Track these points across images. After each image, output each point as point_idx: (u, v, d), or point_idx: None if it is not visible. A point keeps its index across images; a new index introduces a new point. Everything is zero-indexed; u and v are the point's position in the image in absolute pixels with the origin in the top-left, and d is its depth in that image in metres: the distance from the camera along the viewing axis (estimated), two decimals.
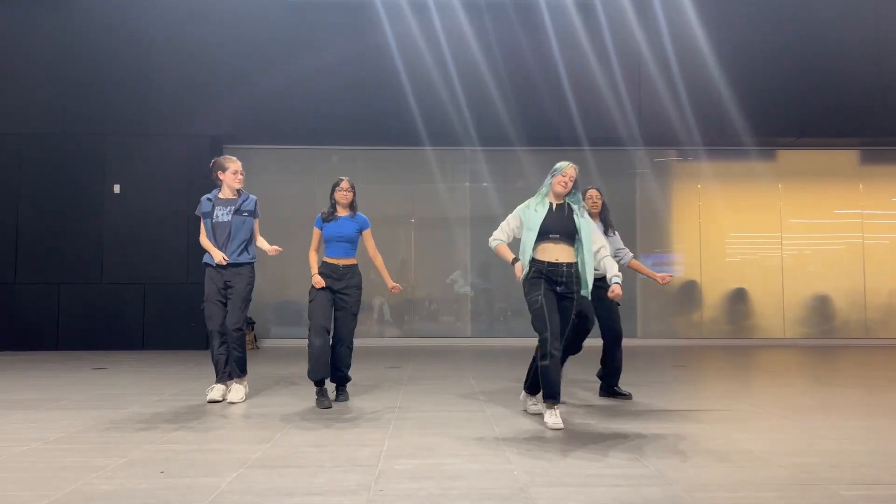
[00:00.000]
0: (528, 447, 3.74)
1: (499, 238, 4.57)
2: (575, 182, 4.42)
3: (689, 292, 10.44)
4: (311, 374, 4.98)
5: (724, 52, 9.54)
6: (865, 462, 3.44)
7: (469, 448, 3.72)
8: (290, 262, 8.91)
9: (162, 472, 3.25)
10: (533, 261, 4.33)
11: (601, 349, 5.38)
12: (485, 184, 10.40)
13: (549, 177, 4.48)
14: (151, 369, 7.15)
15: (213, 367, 5.30)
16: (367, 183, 9.88)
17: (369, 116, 9.44)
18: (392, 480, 3.12)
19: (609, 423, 4.40)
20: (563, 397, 4.79)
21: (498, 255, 4.59)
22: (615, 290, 4.37)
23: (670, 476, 3.18)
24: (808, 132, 9.72)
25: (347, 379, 5.29)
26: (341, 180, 5.24)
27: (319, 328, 4.97)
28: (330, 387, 5.24)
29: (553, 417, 4.21)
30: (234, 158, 5.34)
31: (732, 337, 10.30)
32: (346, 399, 5.23)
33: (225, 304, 5.16)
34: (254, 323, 9.51)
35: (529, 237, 4.35)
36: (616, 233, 5.44)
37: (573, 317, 4.34)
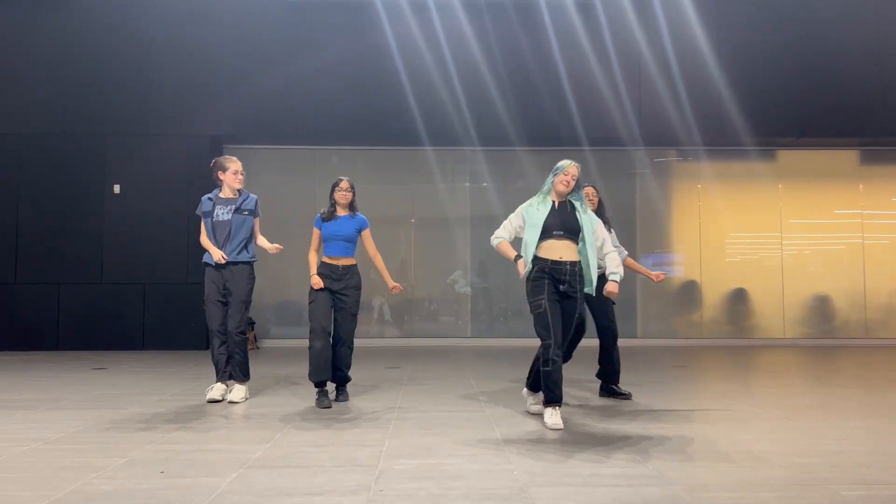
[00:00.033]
0: (528, 447, 3.74)
1: (501, 236, 4.56)
2: (577, 181, 4.43)
3: (689, 292, 10.44)
4: (311, 376, 4.98)
5: (724, 52, 9.54)
6: (865, 462, 3.44)
7: (469, 448, 3.72)
8: (290, 262, 8.92)
9: (162, 472, 3.25)
10: (536, 259, 4.31)
11: (597, 349, 5.38)
12: (485, 184, 10.40)
13: (550, 176, 4.47)
14: (151, 369, 7.15)
15: (213, 367, 5.30)
16: (367, 183, 9.88)
17: (369, 116, 9.45)
18: (392, 480, 3.12)
19: (609, 423, 4.40)
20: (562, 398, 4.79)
21: (500, 252, 4.57)
22: (609, 288, 4.37)
23: (670, 476, 3.18)
24: (808, 132, 9.72)
25: (347, 379, 5.29)
26: (341, 180, 5.24)
27: (320, 330, 4.97)
28: (330, 387, 5.24)
29: (553, 417, 4.22)
30: (235, 158, 5.35)
31: (732, 337, 10.30)
32: (346, 399, 5.23)
33: (225, 304, 5.16)
34: (254, 323, 9.51)
35: (532, 235, 4.33)
36: (612, 231, 5.44)
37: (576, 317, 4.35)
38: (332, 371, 5.10)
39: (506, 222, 4.57)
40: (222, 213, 5.19)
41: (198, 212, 5.32)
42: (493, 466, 3.36)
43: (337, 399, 5.18)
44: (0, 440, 3.93)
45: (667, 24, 9.55)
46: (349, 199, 5.23)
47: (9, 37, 9.37)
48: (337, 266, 5.12)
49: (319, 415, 4.68)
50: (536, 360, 4.46)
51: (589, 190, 5.38)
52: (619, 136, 9.56)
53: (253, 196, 5.34)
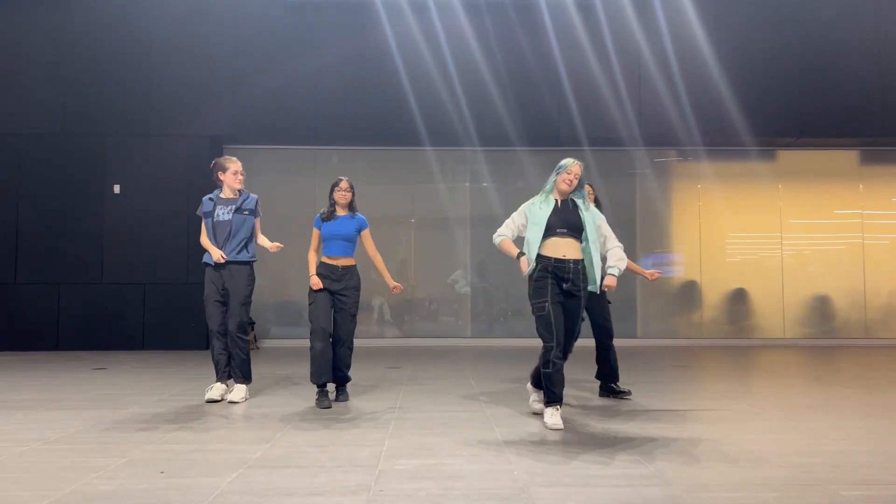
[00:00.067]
0: (528, 447, 3.74)
1: (503, 234, 4.54)
2: (580, 179, 4.43)
3: (689, 292, 10.44)
4: (312, 378, 4.98)
5: (724, 52, 9.54)
6: (865, 462, 3.44)
7: (469, 448, 3.72)
8: (290, 262, 8.92)
9: (162, 473, 3.25)
10: (539, 257, 4.29)
11: (594, 349, 5.38)
12: (485, 184, 10.40)
13: (553, 174, 4.46)
14: (151, 369, 7.15)
15: (213, 368, 5.30)
16: (367, 183, 9.88)
17: (369, 116, 9.45)
18: (392, 481, 3.12)
19: (609, 423, 4.40)
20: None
21: (502, 250, 4.55)
22: (607, 282, 4.36)
23: (670, 476, 3.18)
24: (808, 132, 9.72)
25: (347, 379, 5.29)
26: (340, 180, 5.24)
27: (320, 331, 4.97)
28: (330, 387, 5.24)
29: (553, 418, 4.22)
30: (235, 159, 5.35)
31: (732, 337, 10.30)
32: (346, 399, 5.23)
33: (224, 304, 5.16)
34: (254, 323, 9.50)
35: (536, 233, 4.32)
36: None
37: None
38: (332, 372, 5.10)
39: (508, 220, 4.56)
40: (223, 214, 5.19)
41: (198, 212, 5.32)
42: (493, 466, 3.36)
43: (337, 399, 5.18)
44: (0, 440, 3.93)
45: (667, 23, 9.55)
46: (349, 199, 5.23)
47: (9, 37, 9.37)
48: (336, 266, 5.12)
49: (319, 415, 4.68)
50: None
51: (585, 188, 5.37)
52: (619, 136, 9.57)
53: (253, 196, 5.34)
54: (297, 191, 10.08)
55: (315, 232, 5.21)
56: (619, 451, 3.66)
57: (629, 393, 5.35)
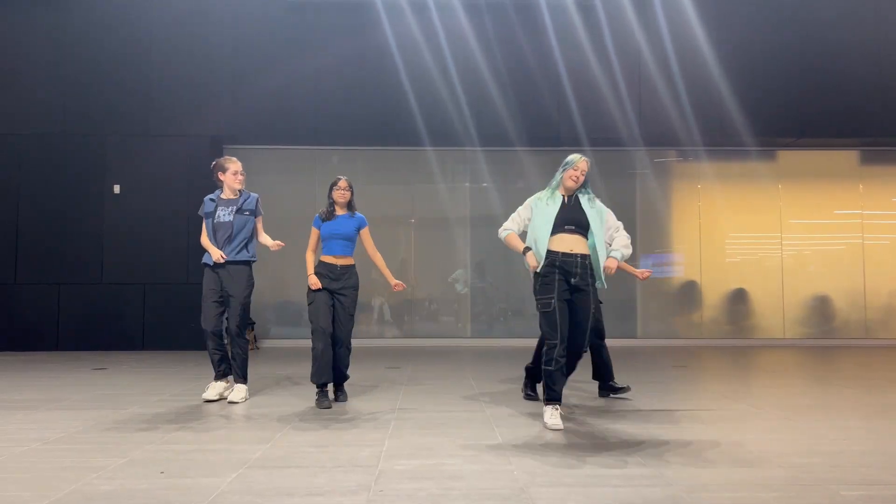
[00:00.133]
0: (528, 447, 3.74)
1: (509, 228, 4.53)
2: (586, 175, 4.43)
3: (689, 292, 10.44)
4: (313, 378, 4.98)
5: (724, 52, 9.54)
6: (865, 462, 3.44)
7: (469, 448, 3.72)
8: (290, 263, 8.90)
9: (162, 473, 3.25)
10: (546, 252, 4.27)
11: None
12: (485, 184, 10.40)
13: (560, 170, 4.46)
14: (151, 369, 7.15)
15: (212, 367, 5.31)
16: (368, 183, 9.89)
17: (369, 116, 9.45)
18: (392, 481, 3.12)
19: (609, 423, 4.40)
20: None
21: (508, 245, 4.53)
22: (607, 263, 4.35)
23: (670, 476, 3.18)
24: (808, 132, 9.72)
25: (346, 377, 5.29)
26: (339, 179, 5.24)
27: (321, 332, 4.97)
28: (329, 387, 5.24)
29: (553, 418, 4.22)
30: (235, 159, 5.35)
31: (732, 337, 10.30)
32: (345, 399, 5.23)
33: (221, 304, 5.16)
34: (254, 323, 9.50)
35: (544, 230, 4.30)
36: None
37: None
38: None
39: (514, 214, 4.56)
40: (224, 215, 5.19)
41: (200, 212, 5.33)
42: (493, 467, 3.36)
43: (336, 399, 5.18)
44: (0, 440, 3.93)
45: (667, 23, 9.55)
46: (347, 199, 5.23)
47: (9, 37, 9.37)
48: (335, 265, 5.12)
49: (319, 415, 4.68)
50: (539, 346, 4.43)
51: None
52: (620, 137, 9.56)
53: (253, 195, 5.34)
54: (297, 191, 10.08)
55: (314, 231, 5.20)
56: (619, 451, 3.66)
57: (628, 389, 5.36)
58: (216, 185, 5.35)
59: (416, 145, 9.91)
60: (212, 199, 5.29)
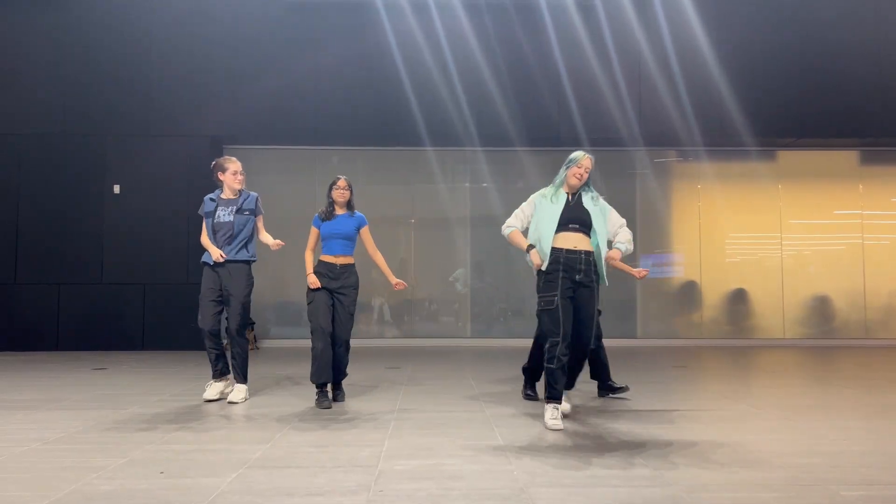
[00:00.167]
0: (528, 448, 3.74)
1: (513, 225, 4.54)
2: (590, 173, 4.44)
3: (689, 292, 10.44)
4: (313, 378, 4.98)
5: (724, 52, 9.54)
6: (865, 462, 3.44)
7: (469, 448, 3.72)
8: (291, 263, 8.90)
9: (162, 473, 3.25)
10: (551, 249, 4.28)
11: None
12: (485, 184, 10.40)
13: (563, 168, 4.46)
14: (151, 369, 7.15)
15: (210, 367, 5.31)
16: (368, 183, 9.89)
17: (369, 116, 9.45)
18: (392, 481, 3.12)
19: (608, 423, 4.40)
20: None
21: (511, 242, 4.54)
22: (610, 253, 4.36)
23: (670, 476, 3.18)
24: (808, 132, 9.72)
25: (344, 375, 5.28)
26: (338, 179, 5.24)
27: (320, 331, 4.97)
28: (328, 386, 5.24)
29: (554, 418, 4.22)
30: (234, 159, 5.35)
31: (732, 337, 10.30)
32: (343, 398, 5.23)
33: (218, 303, 5.16)
34: (254, 323, 9.50)
35: (548, 228, 4.31)
36: None
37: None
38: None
39: (517, 211, 4.56)
40: (224, 215, 5.19)
41: (200, 212, 5.33)
42: (493, 467, 3.35)
43: (334, 399, 5.18)
44: (0, 440, 3.93)
45: (667, 23, 9.56)
46: (347, 198, 5.23)
47: (8, 37, 9.37)
48: (335, 265, 5.11)
49: (319, 415, 4.68)
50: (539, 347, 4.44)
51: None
52: (620, 136, 9.57)
53: (253, 194, 5.34)
54: (297, 191, 10.08)
55: (313, 231, 5.20)
56: (619, 451, 3.66)
57: (627, 388, 5.36)
58: (216, 185, 5.35)
59: (416, 145, 9.91)
60: (212, 199, 5.29)
